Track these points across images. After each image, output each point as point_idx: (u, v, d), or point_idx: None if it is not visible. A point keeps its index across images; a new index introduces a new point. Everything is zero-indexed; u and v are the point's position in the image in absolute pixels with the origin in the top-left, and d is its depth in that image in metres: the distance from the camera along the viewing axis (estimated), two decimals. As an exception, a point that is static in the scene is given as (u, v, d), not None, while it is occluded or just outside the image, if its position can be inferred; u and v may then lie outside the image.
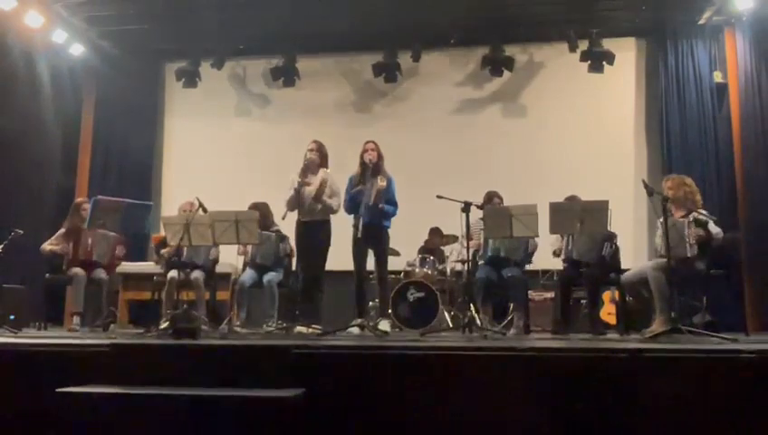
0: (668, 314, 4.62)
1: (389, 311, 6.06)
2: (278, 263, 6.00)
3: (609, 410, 2.95)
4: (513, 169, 8.09)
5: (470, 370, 3.13)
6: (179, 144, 9.14)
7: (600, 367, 3.05)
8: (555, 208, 5.08)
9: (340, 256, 5.62)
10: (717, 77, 7.97)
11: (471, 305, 5.21)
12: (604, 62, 7.95)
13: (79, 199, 6.64)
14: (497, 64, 8.20)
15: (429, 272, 6.82)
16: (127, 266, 7.14)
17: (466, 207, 5.25)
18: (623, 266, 5.74)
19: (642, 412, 2.92)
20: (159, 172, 9.08)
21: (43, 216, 7.81)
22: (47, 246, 6.21)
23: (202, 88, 8.76)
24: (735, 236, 6.37)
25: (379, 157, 5.50)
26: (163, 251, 6.13)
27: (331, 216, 5.68)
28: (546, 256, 5.87)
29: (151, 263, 7.12)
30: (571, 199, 5.59)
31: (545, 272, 7.09)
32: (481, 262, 5.82)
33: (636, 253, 7.60)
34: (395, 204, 5.55)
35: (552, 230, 5.20)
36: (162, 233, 6.01)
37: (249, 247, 5.91)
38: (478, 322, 5.21)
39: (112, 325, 6.50)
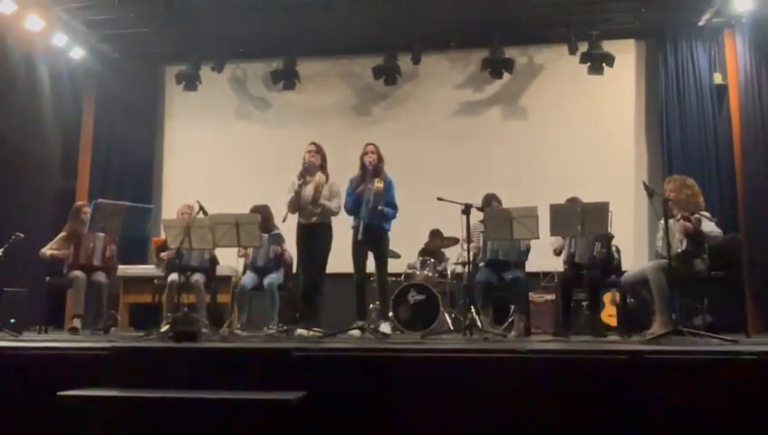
0: (669, 316, 4.62)
1: (390, 313, 6.07)
2: (272, 264, 5.98)
3: (610, 412, 2.95)
4: (514, 170, 8.10)
5: (471, 372, 3.13)
6: (180, 147, 9.15)
7: (600, 369, 3.05)
8: (555, 210, 5.08)
9: (340, 259, 5.62)
10: (717, 78, 7.98)
11: (472, 308, 5.22)
12: (604, 64, 7.96)
13: (79, 203, 6.64)
14: (497, 66, 8.21)
15: (430, 274, 6.81)
16: (127, 270, 7.14)
17: (467, 210, 5.25)
18: (624, 268, 5.73)
19: (643, 414, 2.92)
20: (160, 175, 9.09)
21: (43, 219, 7.81)
22: (47, 250, 6.20)
23: (202, 91, 8.77)
24: (735, 237, 6.35)
25: (380, 159, 5.50)
26: (163, 254, 6.12)
27: (332, 218, 5.68)
28: (546, 257, 5.86)
29: (152, 266, 7.13)
30: (572, 201, 5.59)
31: (546, 274, 7.09)
32: (481, 264, 5.82)
33: (636, 254, 7.60)
34: (395, 206, 5.55)
35: (553, 232, 5.19)
36: (162, 236, 6.01)
37: (250, 250, 5.91)
38: (479, 324, 5.22)
39: (113, 328, 6.50)
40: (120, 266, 6.69)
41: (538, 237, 5.27)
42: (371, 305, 6.30)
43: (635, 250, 7.68)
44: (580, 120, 8.33)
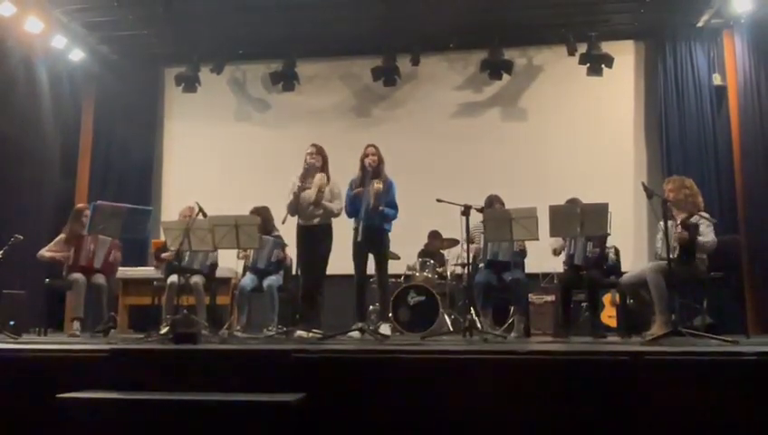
0: (669, 317, 4.62)
1: (390, 315, 6.06)
2: (273, 267, 5.98)
3: (610, 413, 2.95)
4: (513, 171, 8.10)
5: (471, 373, 3.13)
6: (179, 149, 9.14)
7: (600, 370, 3.05)
8: (555, 211, 5.08)
9: (340, 260, 5.62)
10: (716, 79, 7.97)
11: (471, 309, 5.22)
12: (603, 65, 7.96)
13: (80, 205, 6.63)
14: (496, 68, 8.21)
15: (430, 275, 6.82)
16: (127, 272, 7.14)
17: (466, 211, 5.26)
18: (623, 269, 5.73)
19: (643, 415, 2.92)
20: (159, 177, 9.09)
21: (42, 221, 7.81)
22: (46, 252, 6.19)
23: (202, 93, 8.77)
24: (735, 238, 6.36)
25: (380, 161, 5.51)
26: (164, 255, 6.12)
27: (332, 220, 5.68)
28: (546, 258, 5.87)
29: (151, 268, 7.13)
30: (572, 202, 5.59)
31: (545, 275, 7.09)
32: (481, 265, 5.82)
33: (636, 255, 7.60)
34: (395, 207, 5.55)
35: (553, 233, 5.20)
36: (162, 238, 6.01)
37: (250, 252, 5.90)
38: (479, 325, 5.22)
39: (112, 331, 6.48)
40: (119, 268, 6.68)
41: (537, 238, 5.26)
42: (371, 307, 6.30)
43: (634, 251, 7.68)
44: (579, 121, 8.33)
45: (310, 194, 5.59)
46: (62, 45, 8.20)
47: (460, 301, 6.68)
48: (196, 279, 5.96)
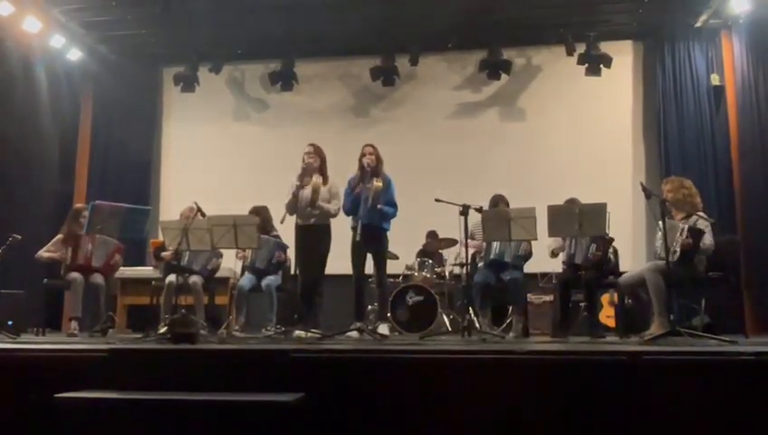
0: (667, 317, 4.62)
1: (388, 314, 6.06)
2: (271, 266, 5.98)
3: (609, 413, 2.95)
4: (512, 172, 8.10)
5: (469, 373, 3.13)
6: (177, 149, 9.14)
7: (599, 370, 3.05)
8: (553, 211, 5.08)
9: (338, 260, 5.62)
10: (714, 80, 7.98)
11: (470, 309, 5.22)
12: (601, 66, 7.97)
13: (78, 206, 6.62)
14: (495, 68, 8.21)
15: (428, 275, 6.82)
16: (125, 271, 7.13)
17: (465, 211, 5.26)
18: (622, 269, 5.74)
19: (641, 415, 2.92)
20: (158, 177, 9.08)
21: (41, 221, 7.78)
22: (44, 253, 6.16)
23: (200, 92, 8.76)
24: (733, 238, 6.37)
25: (378, 160, 5.51)
26: (163, 255, 6.11)
27: (331, 220, 5.68)
28: (545, 258, 5.86)
29: (149, 268, 7.11)
30: (571, 202, 5.60)
31: (544, 275, 7.09)
32: (480, 264, 5.82)
33: (634, 255, 7.61)
34: (395, 205, 5.55)
35: (551, 233, 5.21)
36: (160, 238, 6.00)
37: (248, 252, 5.90)
38: (477, 325, 5.22)
39: (111, 330, 6.48)
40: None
41: (536, 238, 5.28)
42: (369, 307, 6.30)
43: (633, 251, 7.69)
44: (578, 121, 8.34)
45: (307, 194, 5.59)
46: (60, 45, 8.20)
47: (459, 301, 6.68)
48: (195, 279, 5.95)
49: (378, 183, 5.32)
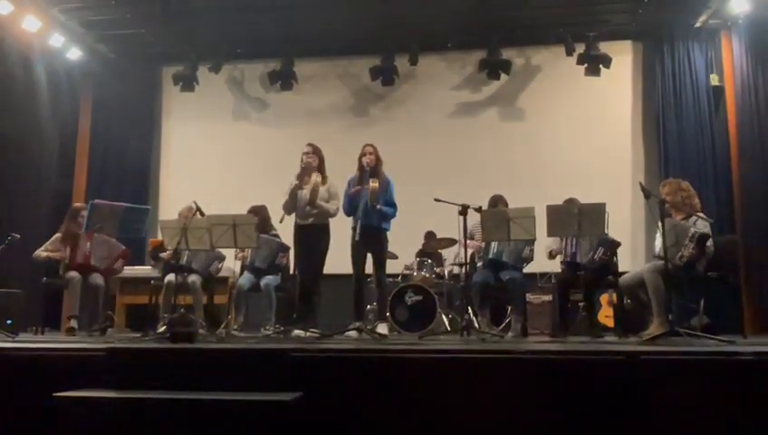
0: (666, 317, 4.62)
1: (387, 314, 6.06)
2: (273, 268, 5.98)
3: (607, 413, 2.95)
4: (511, 172, 8.10)
5: (468, 373, 3.13)
6: (177, 148, 9.13)
7: (597, 370, 3.05)
8: (553, 211, 5.09)
9: (338, 260, 5.62)
10: (714, 80, 7.98)
11: (469, 308, 5.22)
12: (601, 66, 7.97)
13: (76, 205, 6.61)
14: (494, 68, 8.21)
15: (427, 275, 6.82)
16: (124, 270, 7.12)
17: (464, 210, 5.26)
18: (621, 269, 5.74)
19: (640, 415, 2.92)
20: (157, 176, 9.08)
21: (40, 220, 7.79)
22: (42, 252, 6.15)
23: (199, 92, 8.76)
24: (732, 238, 6.36)
25: (378, 160, 5.50)
26: (162, 254, 6.11)
27: (330, 219, 5.67)
28: (544, 258, 5.86)
29: (149, 267, 7.11)
30: (570, 202, 5.60)
31: (543, 275, 7.09)
32: (479, 264, 5.82)
33: (633, 255, 7.61)
34: (394, 205, 5.55)
35: (550, 233, 5.21)
36: (159, 237, 5.99)
37: (247, 251, 5.90)
38: (476, 325, 5.22)
39: (109, 329, 6.48)
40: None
41: (535, 238, 5.28)
42: (369, 306, 6.30)
43: (632, 251, 7.69)
44: (577, 121, 8.34)
45: (306, 193, 5.58)
46: (59, 44, 8.19)
47: (458, 301, 6.69)
48: (194, 278, 5.95)
49: (374, 184, 5.30)
